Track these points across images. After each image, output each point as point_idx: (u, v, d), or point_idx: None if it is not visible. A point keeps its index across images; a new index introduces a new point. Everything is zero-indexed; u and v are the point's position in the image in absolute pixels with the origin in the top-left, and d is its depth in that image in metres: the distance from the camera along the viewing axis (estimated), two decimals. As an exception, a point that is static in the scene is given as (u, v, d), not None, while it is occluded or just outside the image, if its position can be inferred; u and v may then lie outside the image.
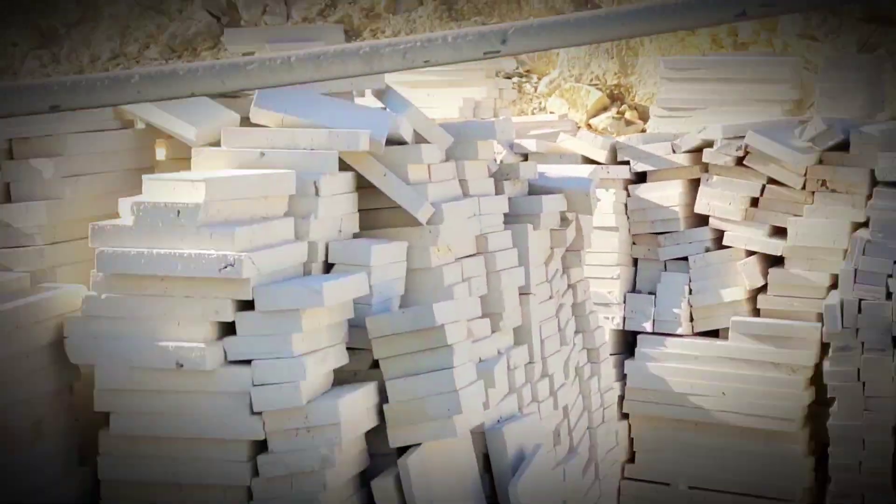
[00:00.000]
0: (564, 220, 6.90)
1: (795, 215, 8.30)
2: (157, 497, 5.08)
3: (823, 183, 8.27)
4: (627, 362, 8.55)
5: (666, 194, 8.56)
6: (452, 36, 2.37)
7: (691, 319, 8.52)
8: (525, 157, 8.59)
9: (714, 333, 8.53)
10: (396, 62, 2.34)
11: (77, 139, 5.64)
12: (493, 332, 6.03)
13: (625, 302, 8.60)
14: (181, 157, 5.84)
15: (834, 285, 8.20)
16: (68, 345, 5.06)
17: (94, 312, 5.02)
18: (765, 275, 8.39)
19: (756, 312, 8.41)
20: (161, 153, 6.12)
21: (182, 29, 17.50)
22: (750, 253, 8.45)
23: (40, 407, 5.06)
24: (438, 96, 9.94)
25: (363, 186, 5.73)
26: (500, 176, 6.50)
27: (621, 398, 8.41)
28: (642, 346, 8.53)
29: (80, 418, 5.26)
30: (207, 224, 4.94)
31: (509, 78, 11.10)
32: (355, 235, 5.70)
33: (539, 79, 11.53)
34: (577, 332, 7.17)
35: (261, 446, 5.03)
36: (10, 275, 5.28)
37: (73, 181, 5.58)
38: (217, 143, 5.64)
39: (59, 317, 5.10)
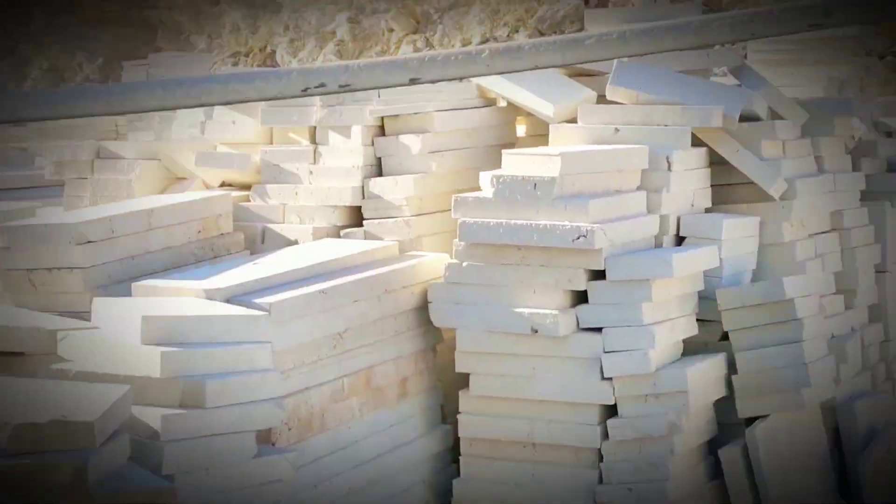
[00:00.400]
0: (926, 198, 6.78)
1: None
2: (512, 455, 5.35)
3: None
4: None
5: None
6: (778, 9, 2.47)
7: None
8: (888, 134, 8.43)
9: None
10: (725, 34, 2.47)
11: (443, 116, 5.97)
12: (846, 308, 6.03)
13: None
14: (540, 134, 6.08)
15: None
16: (432, 309, 5.39)
17: (456, 279, 5.33)
18: None
19: None
20: (521, 130, 6.40)
21: (550, 12, 17.86)
22: None
23: (406, 366, 5.43)
24: (802, 75, 9.84)
25: (716, 162, 5.83)
26: (857, 153, 6.47)
27: None
28: None
29: (443, 378, 5.61)
30: (562, 196, 5.17)
31: (882, 57, 10.87)
32: (708, 210, 5.81)
33: (914, 58, 11.24)
34: (937, 313, 7.03)
35: (610, 410, 5.23)
36: (380, 243, 5.66)
37: (438, 156, 5.92)
38: (574, 120, 5.86)
39: (424, 283, 5.45)
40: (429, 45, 18.80)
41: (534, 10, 18.09)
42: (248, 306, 4.72)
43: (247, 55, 20.38)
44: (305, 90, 2.47)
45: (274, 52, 20.38)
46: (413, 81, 2.52)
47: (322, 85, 2.45)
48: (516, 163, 5.32)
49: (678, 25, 2.53)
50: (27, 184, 7.73)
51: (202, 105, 2.52)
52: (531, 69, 2.79)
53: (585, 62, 2.54)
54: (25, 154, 9.79)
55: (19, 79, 21.14)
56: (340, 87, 2.47)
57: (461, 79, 3.34)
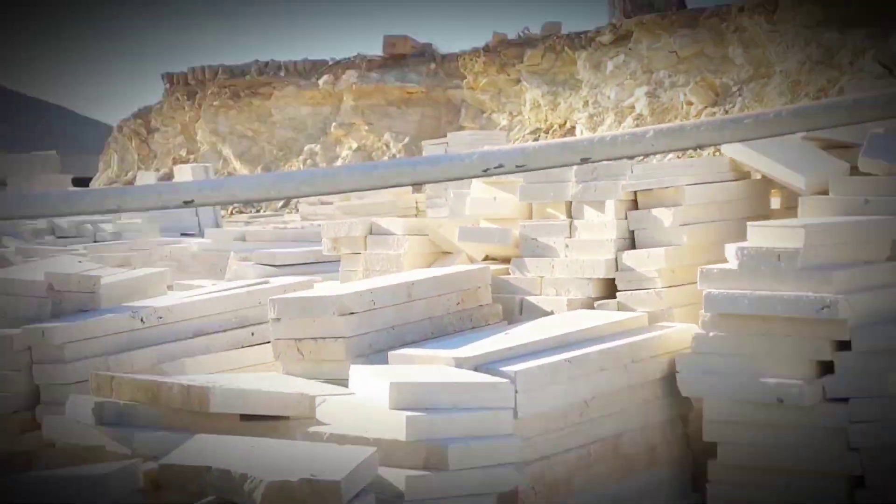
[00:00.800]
0: None
1: None
2: (760, 524, 5.39)
3: None
4: None
5: None
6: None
7: None
8: None
9: None
10: (876, 113, 2.56)
11: (695, 190, 6.09)
12: None
13: None
14: (794, 206, 6.12)
15: None
16: (679, 378, 5.50)
17: (703, 349, 5.42)
18: None
19: None
20: (776, 202, 6.45)
21: (853, 81, 17.57)
22: None
23: (654, 434, 5.54)
24: None
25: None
26: None
27: None
28: None
29: (693, 447, 5.69)
30: (807, 267, 5.21)
31: None
32: (968, 280, 5.72)
33: None
34: None
35: (858, 481, 5.20)
36: (629, 314, 5.82)
37: (689, 229, 6.04)
38: (827, 192, 5.88)
39: (672, 353, 5.57)
40: (726, 116, 18.73)
41: (836, 79, 17.86)
42: (494, 374, 4.95)
43: (546, 131, 20.81)
44: (486, 171, 2.68)
45: (573, 127, 20.74)
46: (584, 161, 2.70)
47: (500, 166, 2.67)
48: (761, 235, 5.40)
49: (832, 104, 2.63)
50: (314, 259, 8.20)
51: (394, 186, 2.77)
52: (693, 147, 2.93)
53: (744, 140, 2.64)
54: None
55: (331, 158, 22.18)
56: (517, 167, 2.68)
57: (628, 157, 3.50)
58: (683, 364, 5.50)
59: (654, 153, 2.71)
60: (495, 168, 2.67)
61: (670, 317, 5.91)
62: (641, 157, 5.80)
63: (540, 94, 21.39)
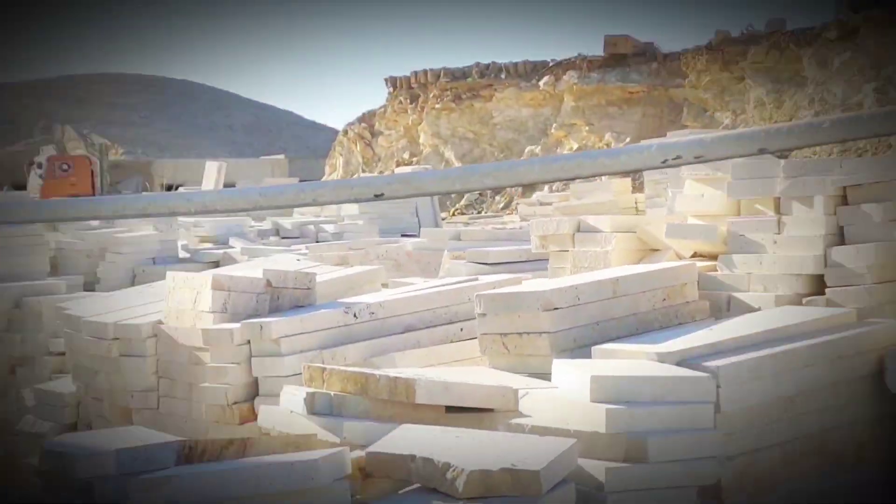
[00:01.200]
0: None
1: None
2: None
3: None
4: None
5: None
6: None
7: None
8: None
9: None
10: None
11: (910, 184, 5.99)
12: None
13: None
14: None
15: None
16: (888, 375, 5.41)
17: (910, 345, 5.34)
18: None
19: None
20: None
21: None
22: None
23: (863, 432, 5.47)
24: None
25: None
26: None
27: None
28: None
29: (904, 446, 5.60)
30: None
31: None
32: None
33: None
34: None
35: None
36: (835, 310, 5.75)
37: (902, 224, 5.94)
38: None
39: (881, 349, 5.48)
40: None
41: None
42: (697, 369, 4.96)
43: (770, 129, 20.48)
44: (664, 162, 2.72)
45: (798, 125, 20.36)
46: (762, 151, 2.72)
47: (678, 157, 2.70)
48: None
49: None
50: (526, 257, 8.31)
51: (575, 178, 2.81)
52: (872, 137, 2.90)
53: (821, 144, 2.63)
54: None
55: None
56: (695, 158, 2.71)
57: (805, 147, 3.47)
58: (892, 360, 5.41)
59: (831, 143, 2.71)
60: (673, 159, 2.72)
61: (881, 313, 5.81)
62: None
63: (764, 91, 21.10)
